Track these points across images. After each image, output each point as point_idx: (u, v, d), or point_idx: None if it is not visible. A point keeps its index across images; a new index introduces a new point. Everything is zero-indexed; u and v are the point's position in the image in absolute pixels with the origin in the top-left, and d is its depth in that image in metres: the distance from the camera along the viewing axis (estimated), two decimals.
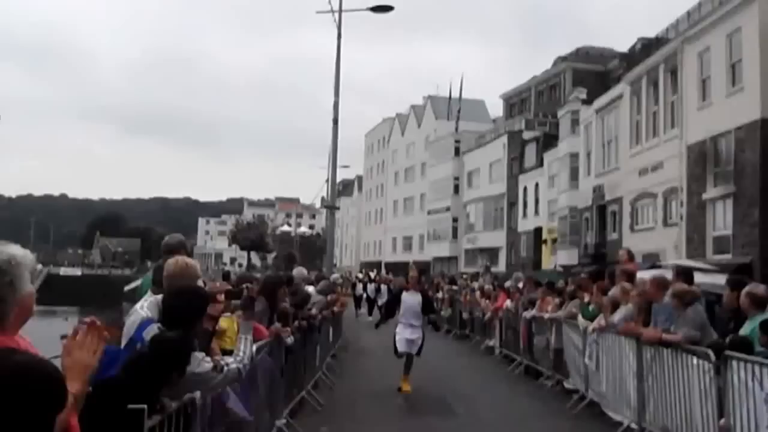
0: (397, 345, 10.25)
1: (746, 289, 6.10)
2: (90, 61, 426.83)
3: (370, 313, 24.46)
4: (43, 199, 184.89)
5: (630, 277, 8.62)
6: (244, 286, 4.26)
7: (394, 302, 10.95)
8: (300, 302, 8.36)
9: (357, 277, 32.15)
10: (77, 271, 78.67)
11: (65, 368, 2.10)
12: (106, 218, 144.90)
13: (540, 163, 39.46)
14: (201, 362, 3.24)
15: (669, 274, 8.34)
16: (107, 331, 2.30)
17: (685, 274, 7.82)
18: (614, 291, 8.68)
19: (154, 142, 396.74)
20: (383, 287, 24.49)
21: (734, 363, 5.41)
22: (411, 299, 10.53)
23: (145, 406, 1.97)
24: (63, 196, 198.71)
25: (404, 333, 10.30)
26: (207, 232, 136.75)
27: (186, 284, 3.60)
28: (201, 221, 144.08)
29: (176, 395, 3.11)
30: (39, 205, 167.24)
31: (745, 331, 5.89)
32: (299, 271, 10.27)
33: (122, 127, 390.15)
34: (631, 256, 10.44)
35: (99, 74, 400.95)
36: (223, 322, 4.80)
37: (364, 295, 26.31)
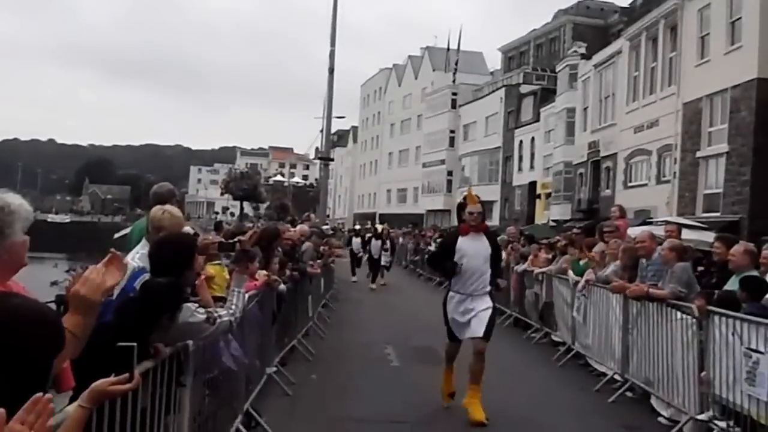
0: (453, 327, 6.33)
1: (744, 246, 6.17)
2: (72, 1, 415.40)
3: (373, 280, 19.33)
4: (29, 144, 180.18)
5: (620, 232, 8.71)
6: (236, 239, 4.23)
7: (444, 256, 6.45)
8: (291, 251, 8.44)
9: (355, 230, 24.44)
10: (66, 218, 78.11)
11: (69, 300, 2.13)
12: (96, 165, 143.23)
13: (537, 117, 39.20)
14: (194, 313, 3.25)
15: (657, 230, 8.44)
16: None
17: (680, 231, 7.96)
18: (602, 246, 8.79)
19: (143, 88, 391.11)
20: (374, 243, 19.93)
21: (716, 318, 5.53)
22: (474, 248, 6.24)
23: (135, 344, 2.00)
24: (51, 141, 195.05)
25: (462, 306, 6.21)
26: (199, 181, 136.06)
27: (171, 233, 3.59)
28: (193, 169, 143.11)
29: (169, 343, 3.15)
30: (25, 150, 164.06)
31: (730, 285, 6.00)
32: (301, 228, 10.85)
33: (109, 70, 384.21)
34: (623, 213, 10.54)
35: (81, 15, 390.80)
36: (211, 269, 4.82)
37: (367, 256, 20.42)
